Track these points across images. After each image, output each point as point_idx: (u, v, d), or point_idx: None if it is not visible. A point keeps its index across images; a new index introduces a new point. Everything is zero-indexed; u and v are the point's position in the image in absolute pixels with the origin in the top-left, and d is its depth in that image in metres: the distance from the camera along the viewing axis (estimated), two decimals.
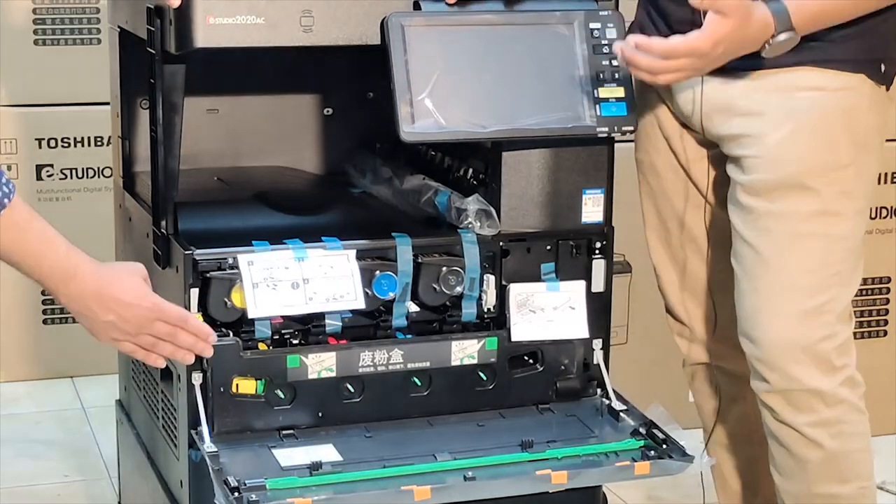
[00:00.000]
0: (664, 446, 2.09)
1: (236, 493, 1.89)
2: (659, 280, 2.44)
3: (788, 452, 2.21)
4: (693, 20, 2.04)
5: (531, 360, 2.20)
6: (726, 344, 2.37)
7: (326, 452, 2.03)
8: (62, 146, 3.65)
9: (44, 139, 3.64)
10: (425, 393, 2.14)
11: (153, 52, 2.08)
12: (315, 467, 1.96)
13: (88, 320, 1.86)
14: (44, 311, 3.73)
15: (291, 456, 2.01)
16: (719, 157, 2.24)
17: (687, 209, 2.33)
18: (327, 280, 2.05)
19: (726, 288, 2.29)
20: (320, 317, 2.09)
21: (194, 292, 2.04)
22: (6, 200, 1.73)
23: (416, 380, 2.13)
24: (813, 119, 2.10)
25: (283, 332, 2.10)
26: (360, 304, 2.06)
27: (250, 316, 2.03)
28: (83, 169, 3.68)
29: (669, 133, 2.28)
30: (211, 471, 1.94)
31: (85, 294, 1.84)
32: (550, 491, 2.04)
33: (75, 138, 3.63)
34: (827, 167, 2.11)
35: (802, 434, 2.18)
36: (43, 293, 3.72)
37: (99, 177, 3.68)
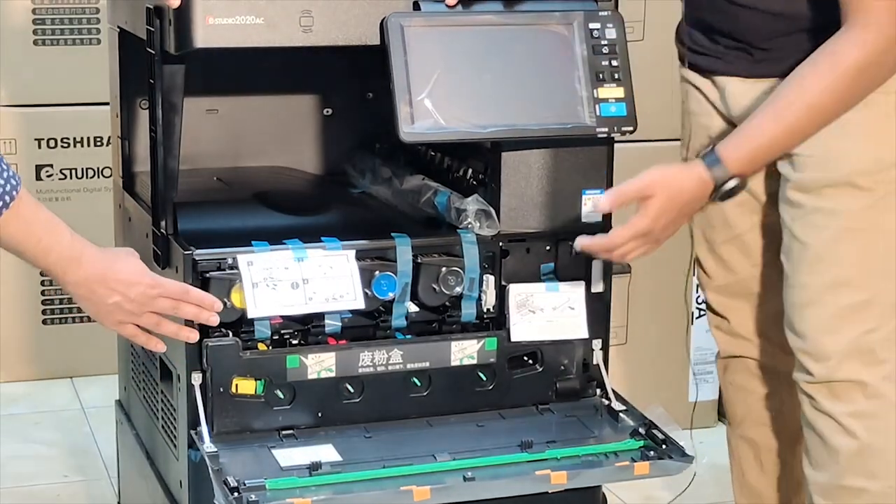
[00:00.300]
0: (664, 447, 2.09)
1: (236, 494, 1.89)
2: (700, 274, 2.46)
3: (823, 442, 2.22)
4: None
5: (531, 361, 2.20)
6: (764, 339, 2.39)
7: (326, 453, 2.03)
8: (62, 146, 3.65)
9: (43, 139, 3.64)
10: (425, 393, 2.14)
11: (153, 52, 2.08)
12: (314, 467, 1.96)
13: (94, 304, 1.89)
14: (43, 312, 3.74)
15: (291, 456, 2.01)
16: None
17: (731, 206, 2.34)
18: (327, 280, 2.05)
19: (768, 285, 2.32)
20: (320, 317, 2.09)
21: None
22: (14, 193, 1.76)
23: (416, 380, 2.13)
24: (864, 118, 2.10)
25: (282, 332, 2.10)
26: (360, 304, 2.06)
27: (250, 316, 2.03)
28: (83, 169, 3.68)
29: (716, 132, 2.29)
30: (210, 471, 1.94)
31: (90, 278, 1.88)
32: (550, 491, 2.04)
33: (75, 138, 3.64)
34: (878, 166, 2.13)
35: (839, 423, 2.19)
36: (42, 293, 3.72)
37: (98, 177, 3.68)
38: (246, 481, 1.92)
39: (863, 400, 2.18)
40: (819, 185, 2.14)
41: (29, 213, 1.80)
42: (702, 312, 3.59)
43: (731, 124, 2.25)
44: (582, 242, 2.08)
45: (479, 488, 2.00)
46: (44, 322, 3.75)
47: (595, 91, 2.10)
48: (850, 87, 2.05)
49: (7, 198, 1.76)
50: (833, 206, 2.14)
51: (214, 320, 1.97)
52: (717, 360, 2.54)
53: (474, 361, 2.15)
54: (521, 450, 2.07)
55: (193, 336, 1.98)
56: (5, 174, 1.76)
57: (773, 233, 2.28)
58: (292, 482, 1.94)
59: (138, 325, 1.96)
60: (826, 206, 2.14)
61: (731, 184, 2.06)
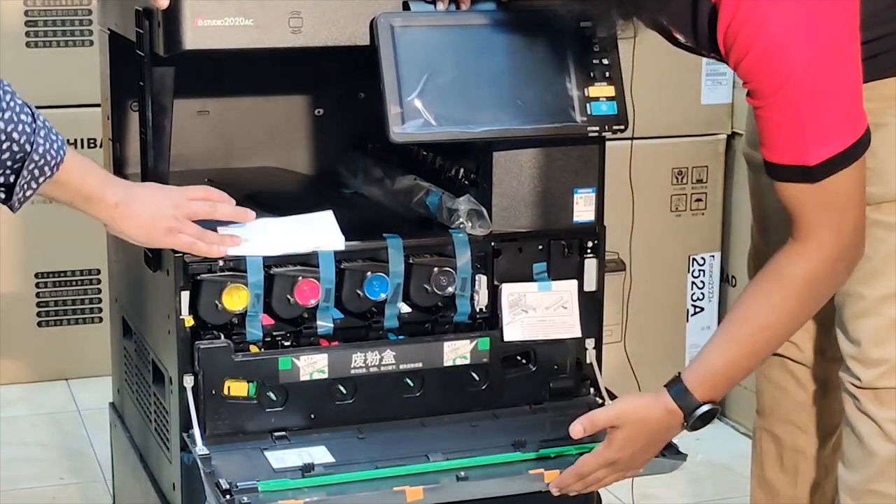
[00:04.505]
0: None
1: (228, 496, 1.89)
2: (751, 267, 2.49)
3: (861, 444, 2.22)
4: None
5: (524, 360, 2.20)
6: (806, 343, 2.39)
7: (319, 454, 2.02)
8: None
9: None
10: (418, 394, 2.13)
11: (142, 54, 2.07)
12: (307, 469, 1.96)
13: (139, 219, 2.00)
14: (38, 314, 3.73)
15: (283, 458, 2.01)
16: None
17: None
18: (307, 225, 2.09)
19: None
20: (312, 318, 2.09)
21: (185, 295, 2.03)
22: (64, 150, 1.92)
23: (409, 381, 2.13)
24: None
25: (274, 333, 2.09)
26: (340, 244, 2.07)
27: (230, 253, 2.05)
28: None
29: None
30: (202, 473, 1.94)
31: (136, 198, 2.01)
32: (543, 490, 2.04)
33: (67, 140, 3.60)
34: None
35: (880, 427, 2.19)
36: (37, 296, 3.72)
37: None
38: (238, 483, 1.92)
39: None
40: (878, 199, 2.13)
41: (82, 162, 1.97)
42: (697, 310, 3.59)
43: None
44: (555, 483, 2.05)
45: (473, 488, 2.00)
46: (38, 324, 3.74)
47: (586, 90, 2.10)
48: (803, 301, 2.02)
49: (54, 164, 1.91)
50: (893, 221, 2.13)
51: (251, 216, 2.08)
52: None
53: (467, 361, 2.14)
54: (515, 449, 2.06)
55: (237, 241, 2.05)
56: (58, 142, 1.92)
57: None
58: (285, 484, 1.94)
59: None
60: (886, 219, 2.13)
61: (702, 410, 2.02)
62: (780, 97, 1.91)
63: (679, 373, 2.05)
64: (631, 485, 2.65)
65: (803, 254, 1.99)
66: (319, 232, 2.08)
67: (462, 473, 1.99)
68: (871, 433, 2.19)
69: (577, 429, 2.04)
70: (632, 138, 3.17)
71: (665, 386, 2.04)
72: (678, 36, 2.09)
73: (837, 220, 1.97)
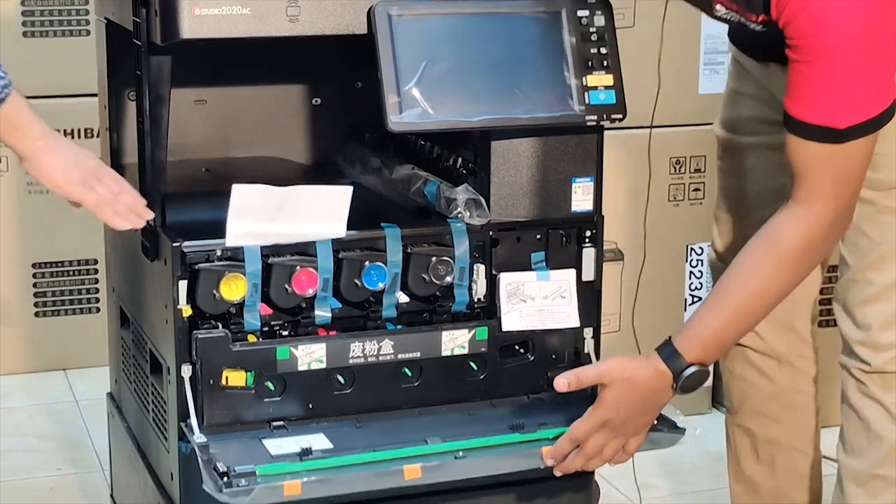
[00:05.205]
0: (655, 422, 2.09)
1: (226, 478, 1.89)
2: (711, 256, 2.51)
3: (866, 428, 2.23)
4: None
5: (522, 350, 2.19)
6: (769, 325, 2.39)
7: (317, 441, 2.02)
8: None
9: None
10: (416, 384, 2.13)
11: (139, 43, 2.07)
12: (305, 453, 1.96)
13: (61, 159, 2.05)
14: (35, 304, 3.73)
15: (281, 445, 2.01)
16: None
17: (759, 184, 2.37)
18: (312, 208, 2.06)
19: None
20: (310, 307, 2.09)
21: (183, 284, 2.03)
22: (9, 90, 1.96)
23: (407, 370, 2.13)
24: None
25: (272, 323, 2.09)
26: (341, 232, 2.07)
27: (228, 244, 2.03)
28: None
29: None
30: (200, 461, 1.94)
31: (60, 139, 2.07)
32: (542, 467, 2.04)
33: (65, 130, 3.62)
34: None
35: (889, 412, 2.21)
36: (35, 286, 3.71)
37: None
38: (236, 468, 1.91)
39: None
40: (888, 185, 2.15)
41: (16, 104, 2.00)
42: (695, 299, 3.59)
43: None
44: (549, 453, 2.05)
45: (470, 466, 2.00)
46: (36, 315, 3.74)
47: (584, 79, 2.10)
48: (795, 267, 2.04)
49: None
50: None
51: (140, 223, 2.07)
52: None
53: (465, 351, 2.14)
54: (512, 431, 2.07)
55: (149, 215, 2.06)
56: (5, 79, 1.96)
57: None
58: (283, 468, 1.94)
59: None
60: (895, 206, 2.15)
61: (691, 370, 2.03)
62: (827, 60, 1.92)
63: (670, 336, 2.06)
64: (633, 472, 2.64)
65: (803, 218, 2.00)
66: (326, 214, 2.07)
67: (460, 453, 2.00)
68: (879, 417, 2.20)
69: (562, 382, 2.05)
70: (630, 128, 3.18)
71: (656, 350, 2.06)
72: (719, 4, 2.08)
73: (840, 188, 1.99)
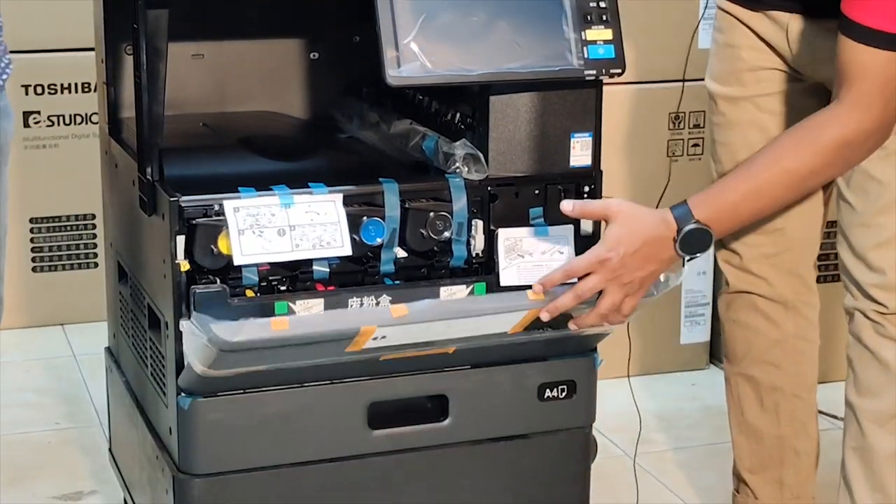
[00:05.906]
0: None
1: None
2: None
3: (884, 368, 2.24)
4: None
5: None
6: (775, 270, 2.41)
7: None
8: (49, 93, 3.63)
9: (31, 86, 3.62)
10: None
11: None
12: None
13: None
14: (32, 259, 3.73)
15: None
16: None
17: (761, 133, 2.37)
18: (313, 227, 2.04)
19: (796, 218, 2.37)
20: (308, 263, 2.08)
21: (180, 239, 2.03)
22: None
23: None
24: None
25: (270, 278, 2.09)
26: (347, 250, 2.05)
27: (236, 263, 2.02)
28: (71, 115, 3.67)
29: (767, 67, 2.34)
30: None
31: None
32: (531, 306, 2.06)
33: (62, 84, 3.62)
34: None
35: None
36: (32, 241, 3.71)
37: (87, 123, 3.66)
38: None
39: None
40: None
41: None
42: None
43: (787, 63, 2.27)
44: (539, 281, 2.06)
45: (456, 305, 2.05)
46: (33, 270, 3.74)
47: (583, 33, 2.09)
48: (828, 161, 2.03)
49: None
50: None
51: None
52: (719, 296, 2.56)
53: None
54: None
55: None
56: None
57: None
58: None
59: None
60: None
61: (691, 226, 2.02)
62: None
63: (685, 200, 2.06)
64: (637, 445, 2.65)
65: (846, 117, 1.99)
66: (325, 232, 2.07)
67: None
68: None
69: (567, 204, 2.04)
70: (629, 82, 3.17)
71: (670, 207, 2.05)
72: None
73: (887, 97, 1.98)
